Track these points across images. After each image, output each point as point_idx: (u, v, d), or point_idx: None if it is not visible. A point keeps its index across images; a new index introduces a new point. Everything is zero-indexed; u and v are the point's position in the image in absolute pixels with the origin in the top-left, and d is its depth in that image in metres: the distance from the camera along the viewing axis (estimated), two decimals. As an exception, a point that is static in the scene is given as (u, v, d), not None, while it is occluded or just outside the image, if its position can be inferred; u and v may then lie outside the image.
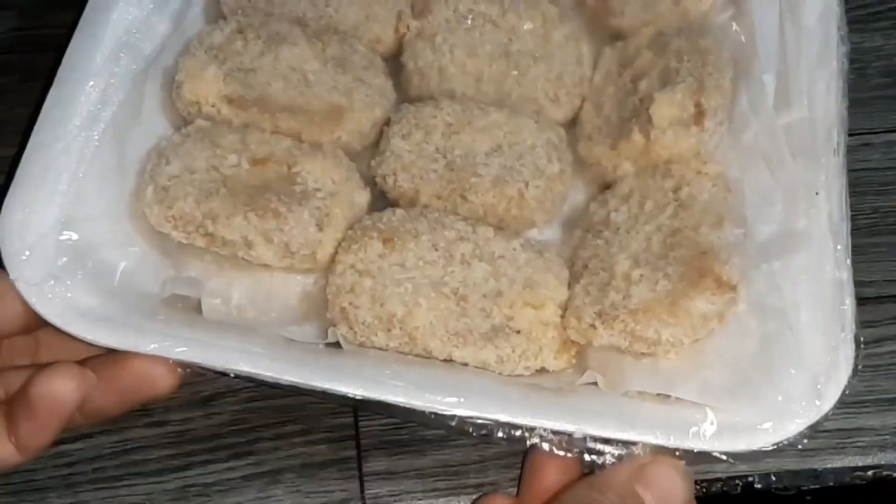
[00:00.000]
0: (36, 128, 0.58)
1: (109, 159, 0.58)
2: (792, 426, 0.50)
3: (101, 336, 0.52)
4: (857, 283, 0.54)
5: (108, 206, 0.58)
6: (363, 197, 0.59)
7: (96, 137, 0.58)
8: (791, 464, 0.58)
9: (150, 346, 0.52)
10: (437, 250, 0.56)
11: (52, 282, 0.54)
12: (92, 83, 0.60)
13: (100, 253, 0.56)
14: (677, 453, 0.50)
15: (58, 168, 0.57)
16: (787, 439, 0.49)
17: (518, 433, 0.51)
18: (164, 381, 0.53)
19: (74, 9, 0.63)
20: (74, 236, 0.56)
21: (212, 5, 0.67)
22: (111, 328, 0.53)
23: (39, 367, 0.52)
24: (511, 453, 0.59)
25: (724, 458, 0.50)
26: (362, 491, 0.59)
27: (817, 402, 0.50)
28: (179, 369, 0.53)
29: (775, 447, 0.50)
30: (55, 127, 0.58)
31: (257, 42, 0.62)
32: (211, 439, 0.61)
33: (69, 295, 0.54)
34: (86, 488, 0.60)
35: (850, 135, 0.60)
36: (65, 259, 0.55)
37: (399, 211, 0.58)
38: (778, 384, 0.51)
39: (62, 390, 0.50)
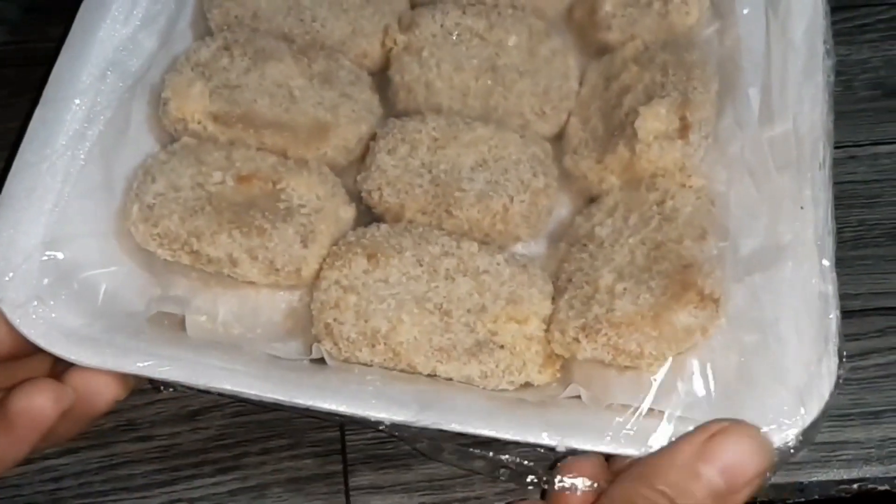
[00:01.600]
0: (21, 147, 0.58)
1: (95, 177, 0.59)
2: (774, 439, 0.50)
3: (85, 356, 0.52)
4: (843, 296, 0.54)
5: (93, 225, 0.58)
6: (348, 212, 0.60)
7: (82, 156, 0.59)
8: (776, 476, 0.58)
9: (135, 366, 0.52)
10: (421, 265, 0.56)
11: (36, 302, 0.54)
12: (78, 102, 0.60)
13: (84, 272, 0.56)
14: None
15: (43, 188, 0.57)
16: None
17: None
18: (107, 393, 0.53)
19: (67, 23, 0.64)
20: (59, 256, 0.56)
21: (199, 21, 0.67)
22: (95, 348, 0.53)
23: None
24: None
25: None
26: (348, 505, 0.59)
27: (800, 414, 0.50)
28: (132, 379, 0.53)
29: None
30: (41, 147, 0.58)
31: (243, 58, 0.62)
32: (197, 454, 0.61)
33: (53, 315, 0.54)
34: (72, 503, 0.60)
35: (835, 147, 0.60)
36: (49, 279, 0.55)
37: (384, 226, 0.58)
38: (761, 397, 0.51)
39: (40, 405, 0.50)
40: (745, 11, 0.64)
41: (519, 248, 0.62)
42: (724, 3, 0.65)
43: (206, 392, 0.53)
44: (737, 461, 0.45)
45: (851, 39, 0.74)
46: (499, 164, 0.60)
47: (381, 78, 0.66)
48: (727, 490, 0.46)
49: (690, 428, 0.50)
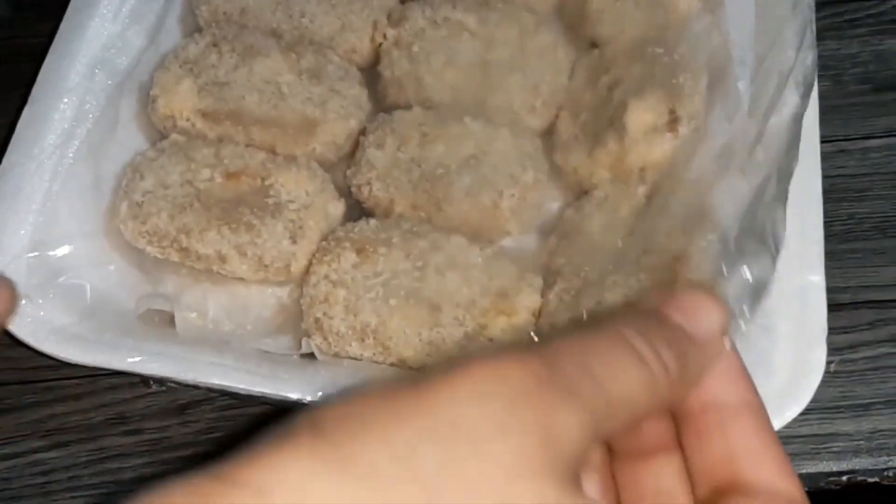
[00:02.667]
0: (9, 147, 0.58)
1: (84, 177, 0.59)
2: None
3: (74, 354, 0.53)
4: (833, 289, 0.54)
5: (82, 224, 0.58)
6: (337, 208, 0.60)
7: (71, 155, 0.59)
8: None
9: (125, 362, 0.53)
10: (410, 260, 0.56)
11: (25, 301, 0.54)
12: (66, 100, 0.60)
13: (74, 271, 0.57)
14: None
15: (31, 187, 0.57)
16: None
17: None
18: None
19: (58, 19, 0.64)
20: (48, 254, 0.56)
21: (188, 18, 0.67)
22: (84, 346, 0.53)
23: None
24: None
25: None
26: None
27: (788, 406, 0.51)
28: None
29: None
30: (29, 146, 0.58)
31: (232, 55, 0.62)
32: (187, 447, 0.61)
33: (41, 314, 0.54)
34: (62, 497, 0.60)
35: (825, 141, 0.60)
36: (37, 278, 0.55)
37: (373, 221, 0.58)
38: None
39: None
40: (734, 6, 0.64)
41: (509, 241, 0.62)
42: (713, -3, 0.65)
43: (196, 387, 0.53)
44: (698, 307, 0.38)
45: (841, 34, 0.74)
46: (489, 159, 0.60)
47: (371, 73, 0.66)
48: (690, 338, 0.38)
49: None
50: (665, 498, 0.36)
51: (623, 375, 0.31)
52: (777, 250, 0.53)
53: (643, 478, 0.37)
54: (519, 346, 0.30)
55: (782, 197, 0.54)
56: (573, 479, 0.29)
